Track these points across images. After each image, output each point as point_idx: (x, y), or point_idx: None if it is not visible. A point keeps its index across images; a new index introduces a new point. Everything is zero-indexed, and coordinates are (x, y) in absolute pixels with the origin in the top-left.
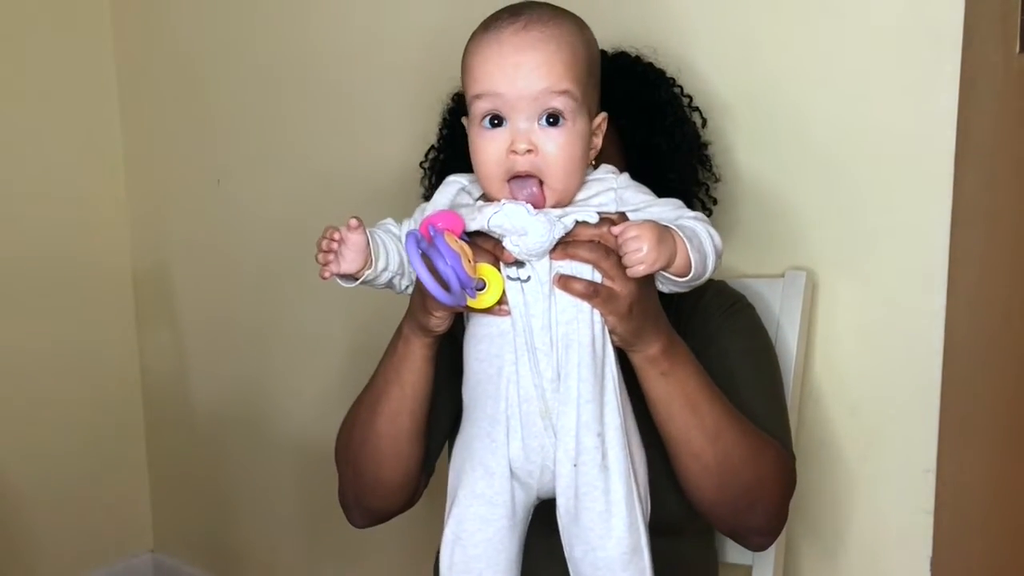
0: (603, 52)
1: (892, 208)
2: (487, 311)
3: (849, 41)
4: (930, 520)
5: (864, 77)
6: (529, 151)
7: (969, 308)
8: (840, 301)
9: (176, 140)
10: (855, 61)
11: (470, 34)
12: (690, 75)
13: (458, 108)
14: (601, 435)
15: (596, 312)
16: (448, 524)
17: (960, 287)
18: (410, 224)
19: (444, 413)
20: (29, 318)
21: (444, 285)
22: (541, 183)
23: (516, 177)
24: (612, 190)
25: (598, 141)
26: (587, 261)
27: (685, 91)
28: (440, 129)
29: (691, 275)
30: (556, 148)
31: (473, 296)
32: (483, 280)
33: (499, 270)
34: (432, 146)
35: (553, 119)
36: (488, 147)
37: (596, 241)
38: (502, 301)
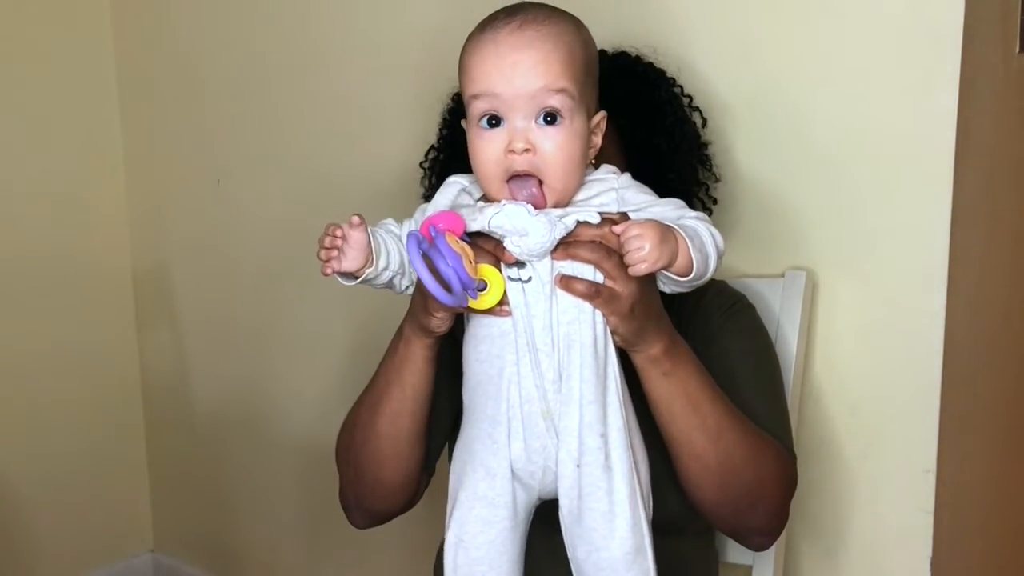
0: (603, 52)
1: (892, 208)
2: (488, 312)
3: (849, 41)
4: (930, 520)
5: (864, 77)
6: (527, 150)
7: (969, 308)
8: (840, 301)
9: (176, 140)
10: (855, 61)
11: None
12: (690, 75)
13: (458, 108)
14: (604, 435)
15: (598, 312)
16: (450, 527)
17: (960, 287)
18: (411, 225)
19: (444, 414)
20: (29, 318)
21: (445, 286)
22: (540, 183)
23: (516, 177)
24: (613, 190)
25: (597, 140)
26: (589, 261)
27: (685, 91)
28: (440, 129)
29: (693, 275)
30: (554, 147)
31: (474, 297)
32: (484, 281)
33: (500, 271)
34: (432, 146)
35: (550, 118)
36: (486, 147)
37: (598, 241)
38: (503, 302)
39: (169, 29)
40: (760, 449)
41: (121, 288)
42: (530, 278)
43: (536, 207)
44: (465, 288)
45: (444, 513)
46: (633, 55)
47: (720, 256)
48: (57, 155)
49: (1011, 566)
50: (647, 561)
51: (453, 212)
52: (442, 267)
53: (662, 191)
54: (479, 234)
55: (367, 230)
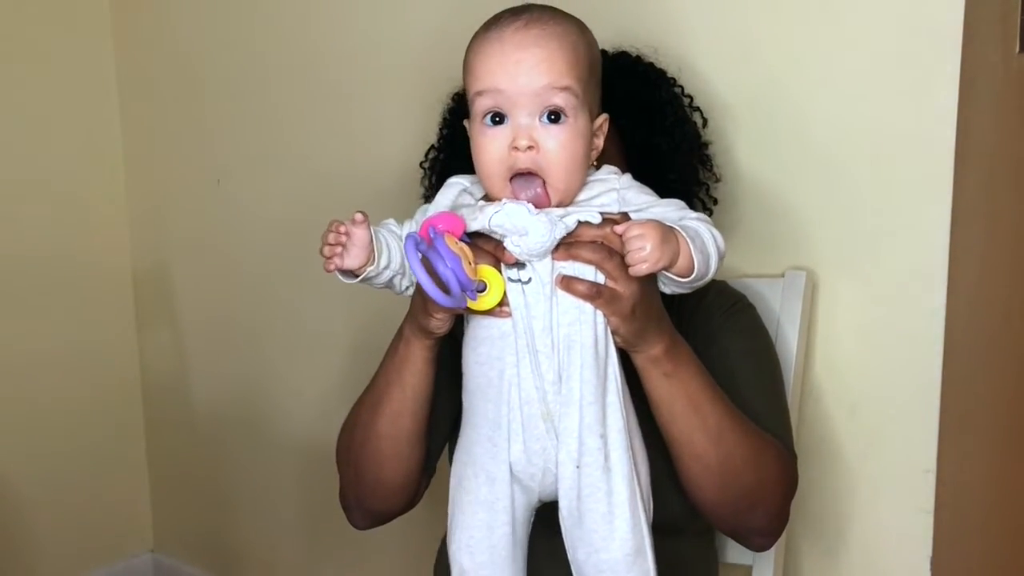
0: (604, 52)
1: (892, 208)
2: (488, 313)
3: (849, 41)
4: (930, 520)
5: (864, 77)
6: (530, 147)
7: (969, 307)
8: (840, 301)
9: (176, 140)
10: (855, 61)
11: (470, 34)
12: (690, 75)
13: (458, 108)
14: (604, 436)
15: (598, 313)
16: (454, 532)
17: (960, 287)
18: (411, 225)
19: (445, 414)
20: (29, 318)
21: (444, 288)
22: (544, 183)
23: (518, 176)
24: (615, 191)
25: (600, 142)
26: (590, 262)
27: (686, 91)
28: (440, 129)
29: (693, 276)
30: (557, 145)
31: (474, 298)
32: (483, 282)
33: (500, 272)
34: (432, 146)
35: (554, 116)
36: (489, 145)
37: (599, 242)
38: (503, 303)
39: (169, 29)
40: (761, 450)
41: (121, 288)
42: (530, 279)
43: (539, 207)
44: (464, 289)
45: (444, 513)
46: (634, 55)
47: (721, 257)
48: (57, 155)
49: (1011, 566)
50: (647, 562)
51: (453, 213)
52: (440, 268)
53: (662, 191)
54: (479, 235)
55: (370, 228)
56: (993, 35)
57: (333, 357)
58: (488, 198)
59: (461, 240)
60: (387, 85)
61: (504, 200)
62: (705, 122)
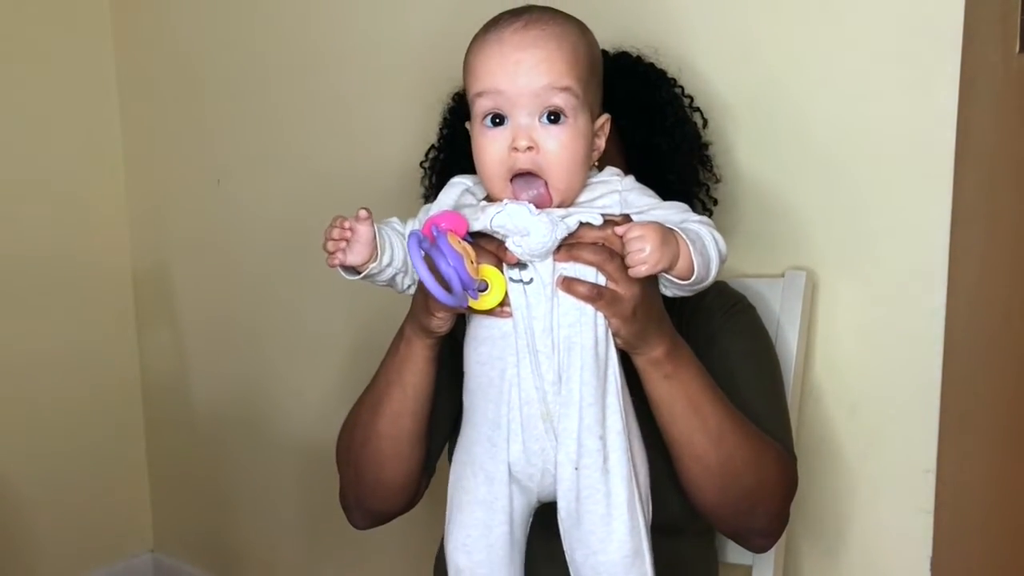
0: (604, 52)
1: (892, 208)
2: (489, 313)
3: (849, 41)
4: (930, 520)
5: (864, 77)
6: (530, 148)
7: (969, 307)
8: (840, 301)
9: (176, 140)
10: (855, 61)
11: (470, 35)
12: (691, 75)
13: (458, 108)
14: (603, 438)
15: (599, 315)
16: (451, 532)
17: (960, 287)
18: (414, 224)
19: (445, 414)
20: (29, 318)
21: (446, 286)
22: (546, 183)
23: (519, 176)
24: (616, 192)
25: (601, 143)
26: (591, 263)
27: (686, 91)
28: (440, 129)
29: (694, 278)
30: (557, 145)
31: (475, 297)
32: (485, 281)
33: (502, 272)
34: (432, 146)
35: (554, 116)
36: (490, 146)
37: (600, 243)
38: (504, 303)
39: (169, 29)
40: (761, 451)
41: (121, 288)
42: (531, 279)
43: (541, 207)
44: (465, 288)
45: (444, 514)
46: (634, 56)
47: (722, 260)
48: (57, 155)
49: (1011, 566)
50: (645, 565)
51: (456, 212)
52: (443, 267)
53: (663, 192)
54: (482, 235)
55: (373, 225)
56: (993, 35)
57: (333, 357)
58: (490, 198)
59: (464, 239)
60: (387, 85)
61: (506, 200)
62: (705, 122)
